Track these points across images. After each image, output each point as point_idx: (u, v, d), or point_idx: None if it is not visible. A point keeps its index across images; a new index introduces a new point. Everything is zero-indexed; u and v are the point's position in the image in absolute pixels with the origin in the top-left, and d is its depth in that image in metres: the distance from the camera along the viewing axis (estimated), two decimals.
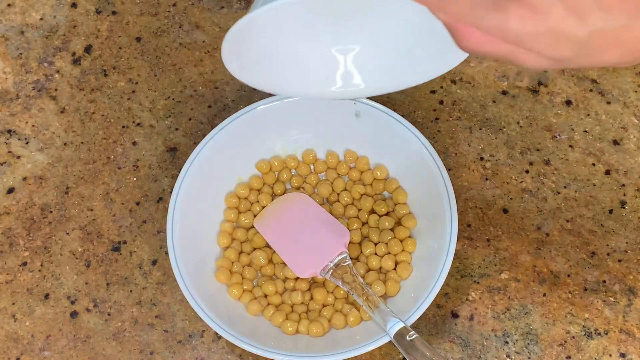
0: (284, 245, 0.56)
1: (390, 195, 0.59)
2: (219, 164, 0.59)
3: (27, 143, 0.64)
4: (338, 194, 0.60)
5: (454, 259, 0.55)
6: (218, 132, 0.58)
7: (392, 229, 0.57)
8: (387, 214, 0.59)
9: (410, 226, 0.57)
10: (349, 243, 0.57)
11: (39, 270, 0.59)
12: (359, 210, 0.59)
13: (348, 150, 0.61)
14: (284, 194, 0.60)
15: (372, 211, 0.59)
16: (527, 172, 0.61)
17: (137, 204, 0.61)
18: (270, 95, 0.59)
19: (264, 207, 0.59)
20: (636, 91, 0.64)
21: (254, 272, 0.57)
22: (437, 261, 0.53)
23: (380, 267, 0.56)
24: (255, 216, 0.59)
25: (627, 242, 0.58)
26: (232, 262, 0.57)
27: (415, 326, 0.55)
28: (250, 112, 0.59)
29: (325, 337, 0.54)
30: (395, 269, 0.56)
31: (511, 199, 0.60)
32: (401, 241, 0.57)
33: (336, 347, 0.52)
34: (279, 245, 0.57)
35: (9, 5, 0.70)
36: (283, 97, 0.59)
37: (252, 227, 0.59)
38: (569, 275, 0.57)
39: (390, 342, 0.50)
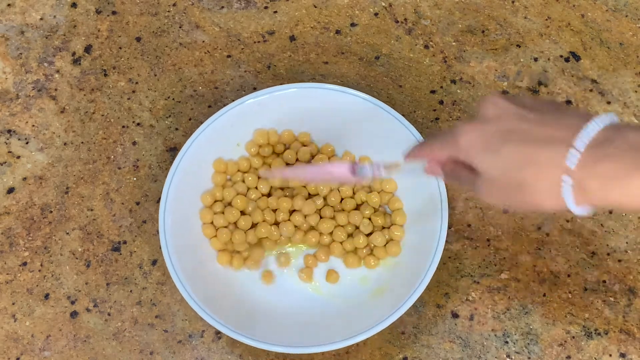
0: (303, 173, 0.57)
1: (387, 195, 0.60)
2: (206, 159, 0.59)
3: (27, 143, 0.64)
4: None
5: (454, 259, 0.55)
6: (204, 129, 0.59)
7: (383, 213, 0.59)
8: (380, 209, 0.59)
9: (399, 206, 0.59)
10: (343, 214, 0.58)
11: (39, 270, 0.59)
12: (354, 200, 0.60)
13: (347, 151, 0.61)
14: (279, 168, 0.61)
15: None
16: None
17: (137, 204, 0.61)
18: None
19: (249, 189, 0.60)
20: (636, 91, 0.64)
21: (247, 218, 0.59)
22: (430, 244, 0.54)
23: (382, 227, 0.59)
24: (237, 195, 0.59)
25: (627, 242, 0.58)
26: (215, 201, 0.59)
27: (415, 326, 0.55)
28: (239, 106, 0.59)
29: (321, 328, 0.54)
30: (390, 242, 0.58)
31: None
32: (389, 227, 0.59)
33: (333, 338, 0.52)
34: (299, 173, 0.57)
35: (9, 5, 0.70)
36: (274, 90, 0.59)
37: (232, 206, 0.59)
38: (569, 275, 0.57)
39: (390, 342, 0.50)
